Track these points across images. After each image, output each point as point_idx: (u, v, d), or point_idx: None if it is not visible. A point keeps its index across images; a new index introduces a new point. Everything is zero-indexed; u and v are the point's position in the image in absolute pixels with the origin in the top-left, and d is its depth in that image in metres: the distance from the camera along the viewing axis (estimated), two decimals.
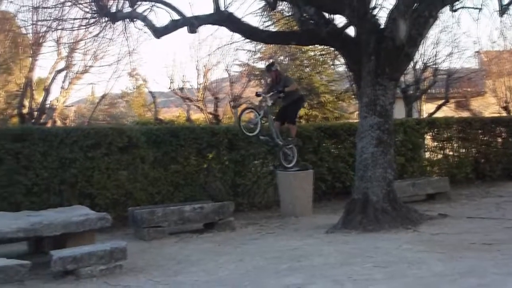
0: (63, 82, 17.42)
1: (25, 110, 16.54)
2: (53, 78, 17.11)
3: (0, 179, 10.19)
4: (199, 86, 23.07)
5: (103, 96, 19.53)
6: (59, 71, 17.14)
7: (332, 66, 23.54)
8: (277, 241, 9.45)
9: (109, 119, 19.59)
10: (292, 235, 9.95)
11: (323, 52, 21.96)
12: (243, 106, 12.71)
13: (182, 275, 7.48)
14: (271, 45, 18.94)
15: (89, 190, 10.91)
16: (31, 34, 16.63)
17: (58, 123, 18.12)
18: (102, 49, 16.89)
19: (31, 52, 16.70)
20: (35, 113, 16.72)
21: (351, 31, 10.93)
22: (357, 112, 14.24)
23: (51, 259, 7.32)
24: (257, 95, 12.35)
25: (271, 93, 11.75)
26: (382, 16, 11.41)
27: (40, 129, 11.71)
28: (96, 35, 12.50)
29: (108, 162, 11.16)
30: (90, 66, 17.60)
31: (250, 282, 6.91)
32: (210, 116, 23.11)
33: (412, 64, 15.26)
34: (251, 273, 7.39)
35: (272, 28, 15.04)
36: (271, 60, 14.35)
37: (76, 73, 17.59)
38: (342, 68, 21.14)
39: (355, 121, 16.00)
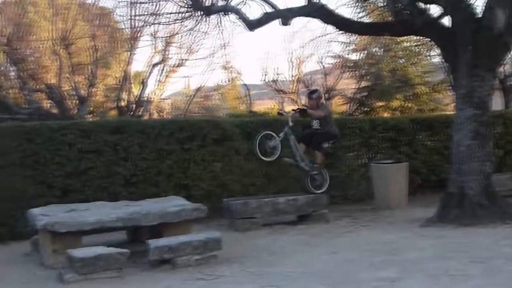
0: (159, 75, 17.79)
1: (122, 103, 17.00)
2: (150, 72, 17.50)
3: (99, 170, 10.51)
4: (292, 78, 23.02)
5: (198, 89, 19.82)
6: (155, 65, 17.51)
7: (427, 57, 22.92)
8: (371, 234, 9.36)
9: (203, 111, 19.85)
10: (386, 228, 9.81)
11: (418, 43, 21.41)
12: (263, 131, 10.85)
13: (275, 266, 7.50)
14: (365, 37, 18.59)
15: (185, 181, 11.09)
16: (128, 29, 17.08)
17: (155, 115, 18.55)
18: (196, 42, 17.11)
19: (128, 46, 17.15)
20: (133, 106, 17.16)
21: (446, 21, 10.62)
22: (453, 103, 13.78)
23: (148, 248, 7.51)
24: (279, 114, 11.85)
25: (292, 113, 11.17)
26: (478, 5, 11.01)
27: (137, 122, 12.00)
28: (191, 29, 12.68)
29: (203, 154, 11.32)
30: (185, 60, 17.87)
31: (344, 274, 6.85)
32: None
33: (511, 53, 14.63)
34: (345, 265, 7.34)
35: (366, 19, 14.74)
36: (315, 87, 13.28)
37: (172, 66, 17.90)
38: (437, 59, 20.49)
39: (451, 113, 15.54)
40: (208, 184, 11.26)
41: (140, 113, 17.05)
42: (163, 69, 17.76)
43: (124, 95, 17.09)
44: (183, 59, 17.83)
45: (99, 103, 17.80)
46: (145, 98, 17.45)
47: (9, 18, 16.34)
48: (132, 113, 16.85)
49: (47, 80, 16.35)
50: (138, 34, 16.80)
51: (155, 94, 17.84)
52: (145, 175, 10.83)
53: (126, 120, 13.44)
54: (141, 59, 20.10)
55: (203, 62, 18.16)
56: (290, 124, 10.69)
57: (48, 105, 16.74)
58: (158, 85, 17.81)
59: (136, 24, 16.21)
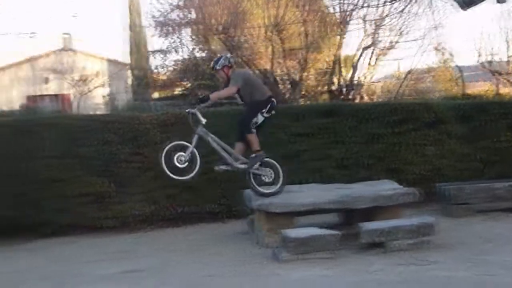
0: (370, 58, 17.73)
1: (334, 87, 17.21)
2: (360, 55, 17.50)
3: (313, 153, 10.73)
4: (509, 58, 21.71)
5: (409, 72, 19.40)
6: (366, 48, 17.46)
7: None
8: None
9: (415, 94, 19.40)
10: None
11: None
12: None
13: (491, 254, 7.20)
14: None
15: (396, 164, 10.95)
16: (338, 13, 17.22)
17: (365, 98, 18.52)
18: (407, 24, 16.82)
19: (339, 30, 17.28)
20: (344, 89, 17.29)
21: None
22: None
23: (360, 231, 7.56)
24: (188, 112, 8.58)
25: (197, 106, 8.40)
26: None
27: (349, 105, 12.04)
28: (401, 11, 12.49)
29: (415, 138, 11.10)
30: (396, 42, 17.63)
31: None
32: None
33: None
34: None
35: None
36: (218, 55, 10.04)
37: (382, 49, 17.76)
38: None
39: None
40: (420, 168, 11.02)
41: (351, 96, 17.13)
42: (373, 52, 17.67)
43: (335, 79, 17.26)
44: (393, 42, 17.60)
45: (310, 87, 18.15)
46: (356, 82, 17.49)
47: (225, 7, 17.25)
48: (343, 96, 16.98)
49: (261, 66, 17.03)
50: (348, 18, 16.86)
51: (365, 77, 17.81)
52: (356, 158, 10.87)
53: (338, 103, 13.59)
54: (351, 42, 20.06)
55: (414, 44, 17.71)
56: (203, 121, 8.34)
57: None
58: (368, 68, 17.76)
59: (346, 8, 16.30)
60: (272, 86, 16.41)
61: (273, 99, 8.74)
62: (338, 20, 17.22)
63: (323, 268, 6.98)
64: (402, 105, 11.55)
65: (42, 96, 23.74)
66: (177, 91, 21.37)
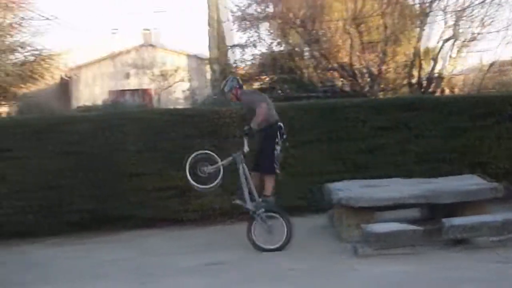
0: (451, 50, 17.31)
1: (414, 80, 16.91)
2: (441, 47, 17.11)
3: (393, 148, 10.59)
4: None
5: (492, 64, 18.86)
6: (446, 40, 17.06)
7: None
8: None
9: (498, 87, 18.84)
10: None
11: None
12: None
13: None
14: None
15: (480, 159, 10.65)
16: (417, 5, 16.91)
17: (446, 92, 18.12)
18: (490, 15, 16.33)
19: (419, 22, 16.96)
20: (424, 82, 16.97)
21: None
22: None
23: (443, 226, 7.44)
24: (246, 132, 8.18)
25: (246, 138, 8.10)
26: None
27: (429, 98, 11.82)
28: (483, 1, 12.13)
29: (498, 131, 10.79)
30: (478, 34, 17.15)
31: None
32: None
33: None
34: None
35: None
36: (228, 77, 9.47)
37: (463, 41, 17.32)
38: None
39: None
40: (504, 162, 10.69)
41: (431, 89, 16.79)
42: (454, 44, 17.25)
43: (415, 72, 16.96)
44: (475, 33, 17.13)
45: (390, 80, 17.89)
46: (436, 75, 17.13)
47: (304, 1, 17.23)
48: (423, 90, 16.67)
49: (339, 59, 16.93)
50: (428, 9, 16.53)
51: (446, 70, 17.42)
52: (438, 152, 10.66)
53: (418, 97, 13.36)
54: (432, 34, 19.63)
55: (497, 35, 17.17)
56: (246, 149, 8.07)
57: (341, 83, 17.33)
58: (449, 60, 17.35)
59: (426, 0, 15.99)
60: (351, 79, 16.32)
61: (280, 123, 8.30)
62: (418, 12, 16.92)
63: (405, 264, 6.91)
64: (484, 98, 11.31)
65: (123, 91, 24.37)
66: (256, 85, 21.50)
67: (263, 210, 7.97)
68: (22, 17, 21.94)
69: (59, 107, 18.85)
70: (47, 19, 22.29)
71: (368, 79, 16.72)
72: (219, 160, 8.13)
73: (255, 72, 20.63)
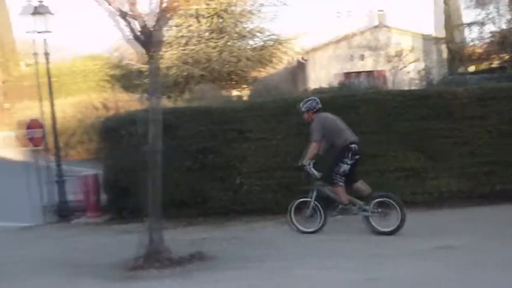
0: None
1: None
2: None
3: None
4: None
5: None
6: None
7: None
8: None
9: None
10: None
11: None
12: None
13: None
14: None
15: None
16: None
17: None
18: None
19: None
20: None
21: None
22: None
23: None
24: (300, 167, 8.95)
25: (309, 161, 8.76)
26: None
27: None
28: None
29: None
30: None
31: None
32: None
33: None
34: None
35: None
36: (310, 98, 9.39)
37: None
38: None
39: None
40: None
41: None
42: None
43: None
44: None
45: None
46: None
47: None
48: None
49: None
50: None
51: None
52: None
53: None
54: None
55: None
56: (317, 176, 8.82)
57: None
58: None
59: None
60: None
61: (353, 144, 8.65)
62: None
63: None
64: None
65: (358, 72, 24.47)
66: (495, 64, 20.38)
67: (338, 213, 8.81)
68: (261, 4, 23.15)
69: (288, 90, 19.36)
70: (283, 4, 23.27)
71: None
72: (309, 199, 8.87)
73: (493, 50, 19.56)
